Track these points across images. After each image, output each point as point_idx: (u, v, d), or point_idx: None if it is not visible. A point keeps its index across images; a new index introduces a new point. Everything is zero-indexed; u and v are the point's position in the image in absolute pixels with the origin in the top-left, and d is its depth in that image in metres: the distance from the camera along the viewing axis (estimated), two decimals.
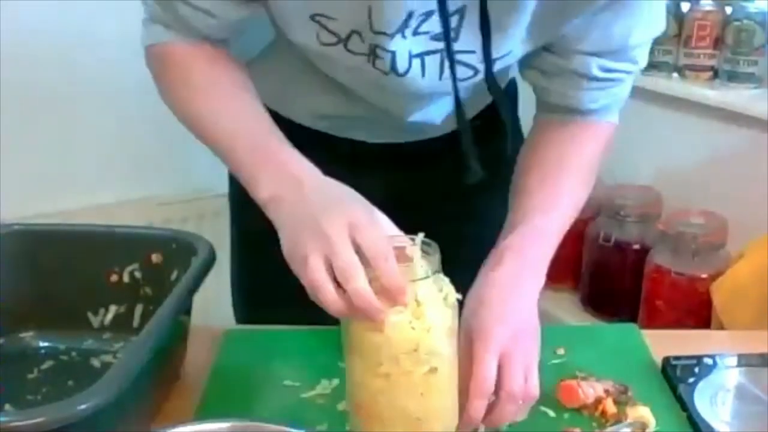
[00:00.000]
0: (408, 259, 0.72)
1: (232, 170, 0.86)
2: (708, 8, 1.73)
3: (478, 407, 0.75)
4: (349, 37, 0.83)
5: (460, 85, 0.87)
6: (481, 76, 0.88)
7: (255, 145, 0.82)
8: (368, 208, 0.75)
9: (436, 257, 0.73)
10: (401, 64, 0.85)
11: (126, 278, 0.92)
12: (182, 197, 1.98)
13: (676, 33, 1.77)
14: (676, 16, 1.77)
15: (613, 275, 1.84)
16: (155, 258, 0.91)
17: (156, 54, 0.90)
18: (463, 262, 1.10)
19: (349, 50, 0.85)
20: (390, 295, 0.69)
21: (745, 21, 1.67)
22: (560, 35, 0.88)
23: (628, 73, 0.92)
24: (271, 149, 0.82)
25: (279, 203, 0.77)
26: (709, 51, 1.73)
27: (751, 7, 1.68)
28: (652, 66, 1.81)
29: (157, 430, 0.74)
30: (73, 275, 0.92)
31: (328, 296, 0.68)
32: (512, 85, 1.12)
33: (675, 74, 1.80)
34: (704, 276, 1.63)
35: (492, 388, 0.75)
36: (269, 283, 1.11)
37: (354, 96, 0.94)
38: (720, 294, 1.56)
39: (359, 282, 0.68)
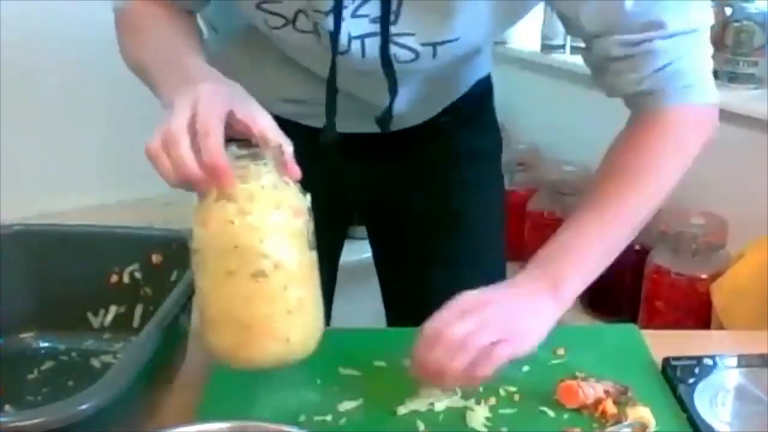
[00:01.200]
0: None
1: (154, 94, 0.84)
2: None
3: (421, 351, 0.74)
4: (296, 17, 0.85)
5: (402, 67, 0.88)
6: (422, 59, 0.88)
7: (170, 64, 0.82)
8: (238, 94, 0.73)
9: (276, 163, 0.71)
10: (341, 44, 0.86)
11: (126, 278, 0.92)
12: (182, 197, 1.98)
13: None
14: None
15: (613, 275, 1.82)
16: (155, 258, 0.91)
17: (118, 17, 0.93)
18: (438, 258, 1.10)
19: (297, 30, 0.87)
20: (210, 175, 0.67)
21: (744, 22, 1.67)
22: (567, 22, 0.86)
23: (662, 38, 0.84)
24: (181, 63, 0.81)
25: (170, 102, 0.74)
26: None
27: (751, 8, 1.67)
28: None
29: (157, 430, 0.74)
30: (73, 275, 0.92)
31: (158, 165, 0.68)
32: (487, 80, 1.12)
33: None
34: (704, 276, 1.63)
35: (444, 337, 0.74)
36: None
37: (314, 78, 0.95)
38: (720, 294, 1.56)
39: (179, 150, 0.66)
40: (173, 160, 0.66)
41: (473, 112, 1.11)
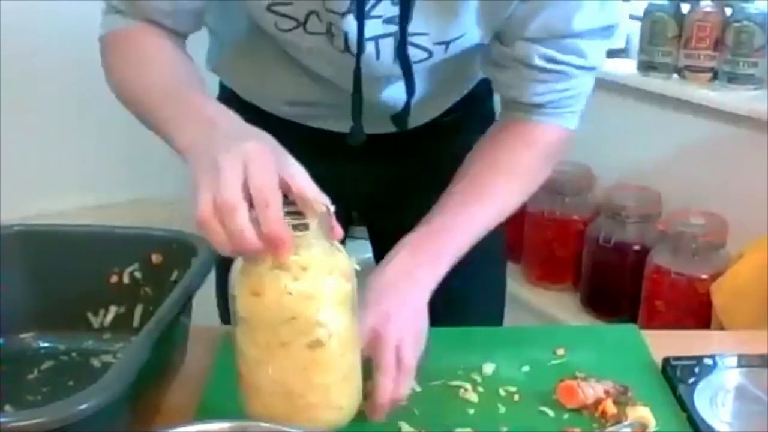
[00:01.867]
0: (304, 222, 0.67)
1: (159, 133, 0.82)
2: (708, 9, 1.73)
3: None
4: (307, 18, 0.85)
5: (415, 66, 0.89)
6: (435, 58, 0.89)
7: (174, 101, 0.80)
8: (276, 151, 0.70)
9: (326, 228, 0.68)
10: (354, 46, 0.86)
11: (126, 279, 0.92)
12: (182, 197, 1.97)
13: (676, 34, 1.77)
14: (676, 17, 1.77)
15: (613, 275, 1.84)
16: (155, 258, 0.91)
17: (107, 43, 0.91)
18: None
19: (308, 32, 0.86)
20: (269, 246, 0.64)
21: (745, 22, 1.67)
22: (507, 20, 0.88)
23: (576, 67, 0.89)
24: (190, 102, 0.79)
25: (195, 149, 0.71)
26: (709, 52, 1.73)
27: (751, 9, 1.68)
28: (652, 67, 1.81)
29: (157, 430, 0.74)
30: (73, 276, 0.92)
31: (216, 237, 0.64)
32: (486, 80, 1.12)
33: (675, 75, 1.80)
34: (704, 276, 1.63)
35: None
36: None
37: (322, 80, 0.95)
38: (720, 294, 1.56)
39: (236, 220, 0.63)
40: (230, 232, 0.63)
41: (474, 111, 1.11)
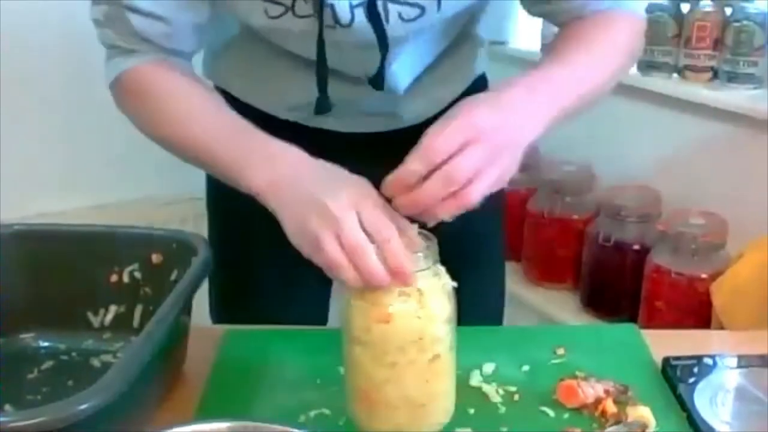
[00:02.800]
0: (411, 248, 0.73)
1: (217, 175, 0.85)
2: (708, 9, 1.73)
3: (412, 168, 0.73)
4: (294, 2, 0.85)
5: (408, 27, 0.88)
6: (428, 16, 0.88)
7: (235, 142, 0.83)
8: (371, 190, 0.76)
9: (435, 247, 0.74)
10: (343, 16, 0.86)
11: (126, 278, 0.92)
12: (182, 197, 1.98)
13: (675, 34, 1.77)
14: (675, 17, 1.77)
15: (613, 275, 1.83)
16: (155, 258, 0.91)
17: (120, 87, 0.91)
18: (444, 258, 1.10)
19: (297, 15, 0.86)
20: (396, 278, 0.70)
21: (744, 22, 1.67)
22: None
23: None
24: (253, 141, 0.82)
25: (278, 188, 0.77)
26: (709, 52, 1.73)
27: (751, 8, 1.67)
28: (652, 67, 1.81)
29: (157, 430, 0.74)
30: (73, 275, 0.92)
31: (349, 274, 0.70)
32: (483, 80, 1.13)
33: (675, 75, 1.80)
34: (704, 276, 1.63)
35: (436, 159, 0.72)
36: (246, 285, 1.11)
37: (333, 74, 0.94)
38: (720, 294, 1.56)
39: (371, 259, 0.69)
40: (362, 270, 0.69)
41: None
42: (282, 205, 0.76)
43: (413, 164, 0.73)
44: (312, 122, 1.03)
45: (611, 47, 0.91)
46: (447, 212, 0.73)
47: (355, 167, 1.05)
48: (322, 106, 0.93)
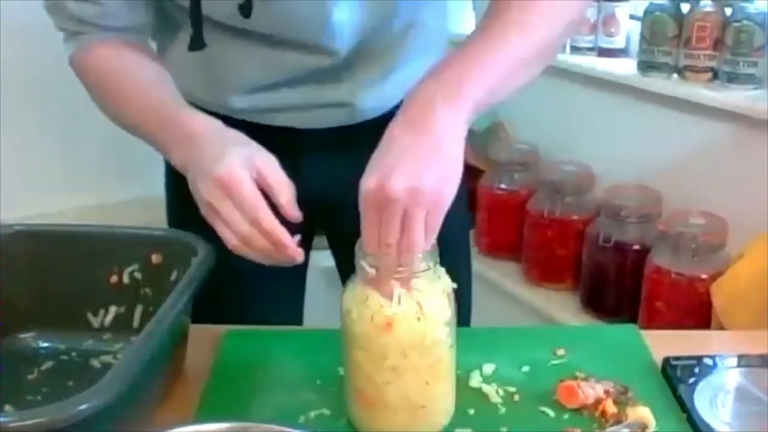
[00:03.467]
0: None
1: (154, 147, 0.90)
2: (708, 9, 1.73)
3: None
4: None
5: None
6: None
7: (161, 121, 0.87)
8: (268, 155, 0.80)
9: (434, 249, 0.74)
10: None
11: (126, 279, 0.92)
12: None
13: (675, 34, 1.77)
14: (675, 17, 1.77)
15: (613, 275, 1.84)
16: (155, 258, 0.91)
17: (75, 67, 0.98)
18: None
19: None
20: (279, 250, 0.76)
21: (744, 22, 1.67)
22: None
23: None
24: (174, 120, 0.86)
25: (188, 163, 0.82)
26: (709, 52, 1.73)
27: (751, 8, 1.67)
28: (652, 67, 1.81)
29: (157, 430, 0.74)
30: (73, 275, 0.92)
31: (229, 238, 0.75)
32: None
33: (675, 75, 1.80)
34: (704, 276, 1.63)
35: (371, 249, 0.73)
36: (222, 291, 1.10)
37: (269, 41, 0.94)
38: (720, 294, 1.56)
39: (261, 212, 0.74)
40: (254, 223, 0.75)
41: None
42: (190, 181, 0.81)
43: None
44: (265, 116, 1.02)
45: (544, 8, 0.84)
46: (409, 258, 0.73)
47: (310, 165, 1.05)
48: (196, 43, 0.93)
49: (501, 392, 0.85)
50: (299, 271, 1.17)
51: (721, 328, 1.52)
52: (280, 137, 1.01)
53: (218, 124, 0.85)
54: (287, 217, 0.78)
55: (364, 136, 1.03)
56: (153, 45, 1.04)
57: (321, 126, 1.04)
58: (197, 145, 0.82)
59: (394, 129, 0.75)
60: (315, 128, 1.04)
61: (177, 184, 1.13)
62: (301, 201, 1.08)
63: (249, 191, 0.76)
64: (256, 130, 1.01)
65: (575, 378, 0.84)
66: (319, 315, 1.19)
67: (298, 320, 1.22)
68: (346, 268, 1.20)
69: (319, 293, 1.21)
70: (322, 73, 0.99)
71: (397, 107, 1.04)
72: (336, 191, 1.07)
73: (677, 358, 0.88)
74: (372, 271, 0.73)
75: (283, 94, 1.00)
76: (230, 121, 1.01)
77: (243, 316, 1.02)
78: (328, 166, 1.06)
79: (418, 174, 0.70)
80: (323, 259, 1.23)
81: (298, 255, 0.78)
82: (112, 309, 0.93)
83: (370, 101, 1.02)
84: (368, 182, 0.72)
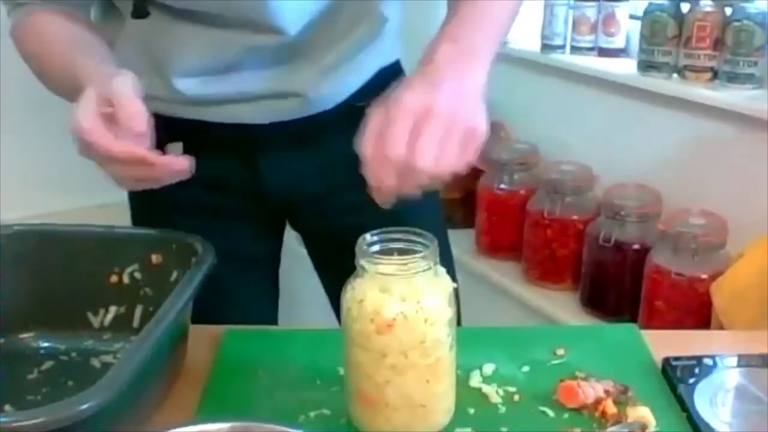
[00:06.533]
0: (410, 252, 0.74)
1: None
2: (708, 9, 1.73)
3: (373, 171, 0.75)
4: None
5: None
6: None
7: (83, 71, 0.87)
8: (123, 80, 0.81)
9: (435, 248, 0.74)
10: None
11: (126, 279, 0.92)
12: None
13: (675, 34, 1.77)
14: (675, 16, 1.77)
15: (613, 275, 1.83)
16: (155, 258, 0.91)
17: (14, 37, 0.99)
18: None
19: None
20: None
21: (744, 22, 1.67)
22: None
23: None
24: (92, 67, 0.87)
25: None
26: (709, 52, 1.73)
27: (751, 8, 1.67)
28: (652, 67, 1.81)
29: (157, 430, 0.74)
30: (73, 275, 0.92)
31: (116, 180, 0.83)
32: (396, 67, 1.11)
33: (675, 75, 1.80)
34: (704, 276, 1.63)
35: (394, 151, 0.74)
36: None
37: (213, 20, 0.93)
38: (720, 294, 1.56)
39: (113, 149, 0.80)
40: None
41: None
42: None
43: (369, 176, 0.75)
44: (219, 115, 1.01)
45: None
46: (410, 186, 0.75)
47: (267, 161, 1.04)
48: (139, 9, 0.93)
49: (501, 392, 0.85)
50: (267, 269, 1.18)
51: (721, 327, 1.52)
52: (233, 137, 1.02)
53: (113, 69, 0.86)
54: (133, 129, 0.79)
55: (318, 129, 1.04)
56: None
57: (273, 119, 1.02)
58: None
59: (430, 63, 0.79)
60: (267, 122, 1.02)
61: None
62: (262, 198, 1.08)
63: (94, 138, 0.80)
64: (208, 130, 1.02)
65: (575, 378, 0.84)
66: (320, 315, 1.19)
67: (273, 320, 1.22)
68: (318, 262, 1.20)
69: (318, 293, 1.20)
70: (270, 57, 0.98)
71: (351, 98, 1.05)
72: (296, 187, 1.07)
73: (677, 358, 0.88)
74: (372, 271, 0.73)
75: (231, 80, 0.98)
76: (180, 122, 1.01)
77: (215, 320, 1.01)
78: (286, 162, 1.06)
79: (461, 102, 0.76)
80: None
81: (176, 164, 0.80)
82: (112, 309, 0.93)
83: (323, 90, 1.01)
84: (408, 95, 0.75)
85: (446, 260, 1.17)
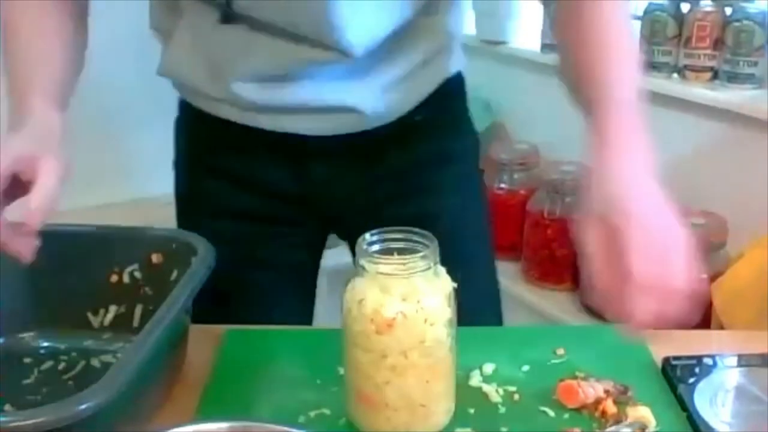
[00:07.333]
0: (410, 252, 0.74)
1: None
2: (708, 9, 1.73)
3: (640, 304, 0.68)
4: None
5: None
6: None
7: (14, 102, 0.85)
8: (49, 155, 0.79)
9: (435, 248, 0.74)
10: None
11: (126, 278, 0.92)
12: None
13: (676, 34, 1.77)
14: (675, 16, 1.78)
15: None
16: (155, 258, 0.91)
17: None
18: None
19: None
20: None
21: (744, 22, 1.67)
22: None
23: None
24: (25, 90, 0.85)
25: None
26: (709, 52, 1.73)
27: (751, 8, 1.68)
28: (652, 66, 1.81)
29: (157, 430, 0.74)
30: (73, 275, 0.92)
31: None
32: (458, 78, 1.10)
33: (675, 75, 1.81)
34: (704, 276, 1.63)
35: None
36: (223, 293, 1.09)
37: (274, 30, 0.91)
38: (720, 294, 1.56)
39: None
40: None
41: (447, 111, 1.08)
42: None
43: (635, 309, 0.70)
44: (274, 123, 1.00)
45: (618, 24, 0.90)
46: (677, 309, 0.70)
47: (320, 171, 1.03)
48: (228, 15, 0.91)
49: (501, 392, 0.85)
50: (308, 277, 1.16)
51: (721, 327, 1.52)
52: (286, 144, 1.01)
53: (46, 113, 0.84)
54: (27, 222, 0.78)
55: (373, 143, 1.03)
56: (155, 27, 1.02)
57: (327, 132, 1.00)
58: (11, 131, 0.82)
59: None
60: (321, 135, 1.00)
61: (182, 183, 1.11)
62: (312, 207, 1.07)
63: None
64: (261, 136, 1.01)
65: (575, 378, 0.84)
66: (320, 315, 1.20)
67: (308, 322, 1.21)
68: None
69: (319, 293, 1.20)
70: (331, 72, 0.96)
71: (406, 115, 1.03)
72: (346, 198, 1.06)
73: (677, 358, 0.88)
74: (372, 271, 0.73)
75: (289, 89, 0.96)
76: (235, 127, 1.00)
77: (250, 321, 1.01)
78: (337, 173, 1.04)
79: (661, 208, 0.75)
80: (323, 259, 1.23)
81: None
82: (112, 309, 0.93)
83: (381, 107, 0.99)
84: (639, 264, 0.69)
85: (494, 284, 1.17)
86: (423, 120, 1.05)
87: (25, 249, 0.79)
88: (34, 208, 0.77)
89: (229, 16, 0.90)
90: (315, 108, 0.98)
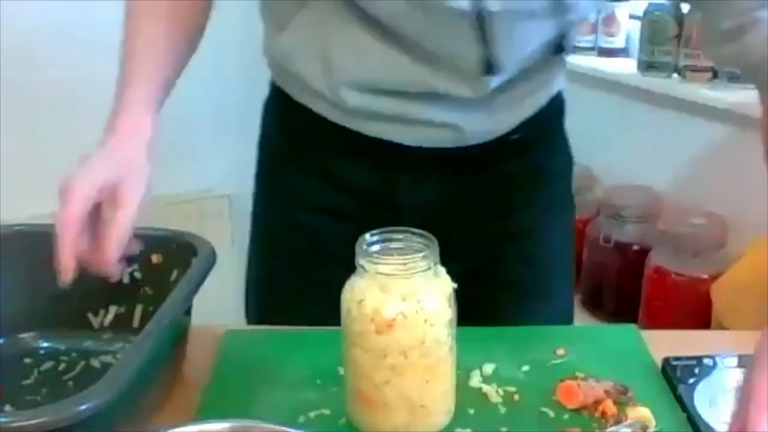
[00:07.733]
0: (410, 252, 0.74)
1: None
2: None
3: None
4: None
5: (509, 5, 0.82)
6: None
7: (124, 81, 0.89)
8: (133, 183, 0.81)
9: (435, 248, 0.74)
10: None
11: (126, 278, 0.92)
12: (183, 197, 1.98)
13: (676, 34, 1.78)
14: (676, 17, 1.78)
15: (613, 275, 1.84)
16: (155, 258, 0.91)
17: None
18: (504, 282, 1.06)
19: None
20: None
21: None
22: None
23: None
24: (118, 105, 0.89)
25: None
26: None
27: None
28: (652, 67, 1.81)
29: (157, 430, 0.74)
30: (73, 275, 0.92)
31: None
32: (559, 98, 1.08)
33: (675, 75, 1.81)
34: (704, 276, 1.63)
35: None
36: (286, 285, 1.09)
37: (403, 41, 0.89)
38: (720, 294, 1.56)
39: (63, 235, 0.80)
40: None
41: (545, 130, 1.06)
42: None
43: None
44: (372, 129, 0.98)
45: None
46: None
47: (408, 177, 1.01)
48: (490, 67, 0.88)
49: (501, 392, 0.85)
50: None
51: (721, 328, 1.53)
52: (381, 149, 0.99)
53: (138, 127, 0.87)
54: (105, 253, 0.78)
55: (467, 157, 1.01)
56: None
57: (425, 144, 0.97)
58: (104, 135, 0.86)
59: None
60: (418, 146, 0.98)
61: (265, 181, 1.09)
62: (397, 212, 1.05)
63: (68, 210, 0.80)
64: (356, 138, 0.98)
65: (575, 378, 0.84)
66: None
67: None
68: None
69: None
70: (448, 98, 0.93)
71: (506, 134, 0.99)
72: (432, 208, 1.02)
73: (677, 358, 0.88)
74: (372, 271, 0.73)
75: (393, 101, 0.94)
76: (331, 125, 0.98)
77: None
78: (426, 181, 1.02)
79: None
80: None
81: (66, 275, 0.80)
82: (112, 309, 0.93)
83: (483, 126, 0.97)
84: None
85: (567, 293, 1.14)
86: (517, 140, 1.02)
87: (112, 272, 0.79)
88: (111, 245, 0.78)
89: (366, 19, 0.87)
90: (414, 120, 0.95)
